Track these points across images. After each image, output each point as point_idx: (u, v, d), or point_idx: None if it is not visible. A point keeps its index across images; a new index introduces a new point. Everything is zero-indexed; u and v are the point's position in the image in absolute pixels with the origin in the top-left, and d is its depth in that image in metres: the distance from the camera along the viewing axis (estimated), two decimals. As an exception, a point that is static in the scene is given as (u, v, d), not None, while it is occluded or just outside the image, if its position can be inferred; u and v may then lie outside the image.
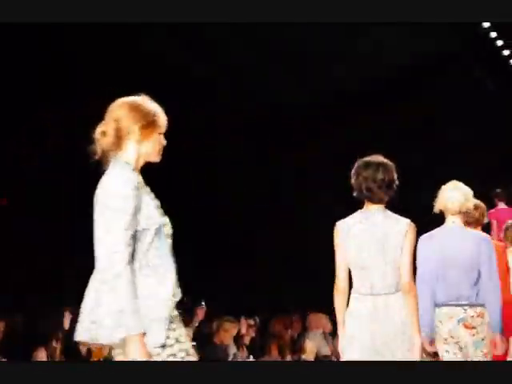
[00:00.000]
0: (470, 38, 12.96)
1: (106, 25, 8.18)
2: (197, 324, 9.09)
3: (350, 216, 4.39)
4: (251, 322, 10.16)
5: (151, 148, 3.33)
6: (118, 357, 3.15)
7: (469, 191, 5.16)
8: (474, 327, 4.85)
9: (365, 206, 4.37)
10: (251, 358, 9.11)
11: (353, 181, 4.37)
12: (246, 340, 9.73)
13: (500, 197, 12.00)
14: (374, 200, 4.30)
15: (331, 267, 4.47)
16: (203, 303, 9.02)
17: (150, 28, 10.20)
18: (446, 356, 4.83)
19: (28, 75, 10.33)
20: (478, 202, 5.49)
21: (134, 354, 3.01)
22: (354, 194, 4.38)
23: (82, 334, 3.13)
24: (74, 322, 7.86)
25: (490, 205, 11.30)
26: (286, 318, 10.57)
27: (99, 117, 3.56)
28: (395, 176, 4.35)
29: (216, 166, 12.59)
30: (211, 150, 12.34)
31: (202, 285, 9.99)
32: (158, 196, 3.28)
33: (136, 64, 11.67)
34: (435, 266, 4.88)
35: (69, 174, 11.35)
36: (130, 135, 3.27)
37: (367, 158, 4.40)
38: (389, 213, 4.34)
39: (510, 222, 7.11)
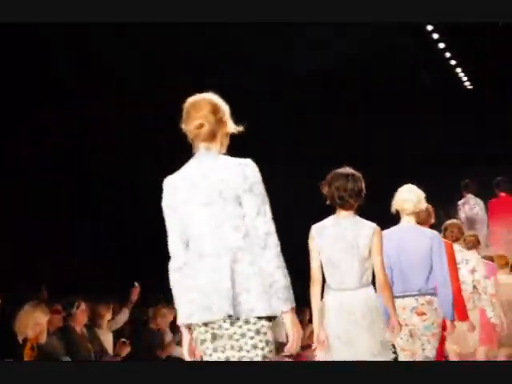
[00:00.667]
0: (407, 32, 12.81)
1: (106, 25, 8.20)
2: (132, 304, 9.09)
3: (325, 220, 5.00)
4: None
5: (227, 142, 3.66)
6: (268, 331, 3.42)
7: (421, 194, 5.80)
8: (424, 313, 5.49)
9: (337, 212, 4.98)
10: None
11: (326, 190, 4.95)
12: None
13: (469, 188, 12.23)
14: (346, 207, 4.92)
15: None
16: (136, 284, 9.09)
17: (150, 28, 10.20)
18: (399, 342, 5.42)
19: (28, 75, 10.30)
20: (427, 204, 6.04)
21: (295, 322, 3.42)
22: (328, 202, 4.96)
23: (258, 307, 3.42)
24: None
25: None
26: None
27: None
28: (363, 185, 4.95)
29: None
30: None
31: (145, 271, 9.91)
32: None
33: (135, 64, 11.64)
34: (391, 260, 5.41)
35: (69, 174, 11.43)
36: (223, 128, 3.60)
37: (339, 170, 4.99)
38: (358, 218, 4.96)
39: (448, 222, 7.84)
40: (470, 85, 15.62)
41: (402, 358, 5.51)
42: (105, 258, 10.86)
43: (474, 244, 8.02)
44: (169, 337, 9.11)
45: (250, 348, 3.41)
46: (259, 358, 3.39)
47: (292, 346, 3.42)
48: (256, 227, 3.45)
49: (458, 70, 15.05)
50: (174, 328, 9.24)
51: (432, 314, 5.53)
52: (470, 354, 7.17)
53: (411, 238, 5.62)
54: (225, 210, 3.47)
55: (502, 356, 7.94)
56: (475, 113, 15.10)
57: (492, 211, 12.07)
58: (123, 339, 8.43)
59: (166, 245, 3.68)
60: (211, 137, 3.57)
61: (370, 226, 4.91)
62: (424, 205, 5.85)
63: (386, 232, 5.29)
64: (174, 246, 3.60)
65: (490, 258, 8.80)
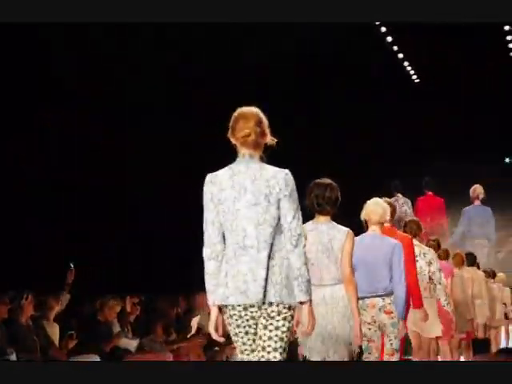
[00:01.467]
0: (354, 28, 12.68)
1: (105, 25, 8.21)
2: (68, 286, 9.02)
3: (305, 224, 5.26)
4: (136, 300, 10.00)
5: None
6: (288, 316, 4.09)
7: (387, 207, 6.67)
8: (391, 312, 6.27)
9: (316, 218, 5.63)
10: (136, 338, 9.10)
11: (307, 198, 5.56)
12: (131, 318, 9.61)
13: (397, 188, 12.68)
14: (323, 213, 5.57)
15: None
16: (72, 265, 9.11)
17: (149, 28, 10.23)
18: (367, 332, 6.20)
19: (28, 75, 10.31)
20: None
21: (310, 311, 4.15)
22: (309, 209, 5.56)
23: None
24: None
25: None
26: (171, 297, 10.46)
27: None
28: (339, 194, 5.60)
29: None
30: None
31: (90, 260, 9.96)
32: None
33: (136, 64, 11.66)
34: (358, 263, 5.99)
35: (69, 174, 11.38)
36: (264, 138, 4.21)
37: (318, 180, 5.65)
38: (334, 223, 5.61)
39: (408, 219, 8.96)
40: (417, 78, 15.91)
41: (367, 347, 6.28)
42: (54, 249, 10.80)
43: (435, 248, 9.02)
44: (116, 328, 9.04)
45: (272, 328, 4.06)
46: (278, 337, 4.06)
47: (308, 330, 4.19)
48: (291, 228, 4.11)
49: (406, 63, 15.28)
50: (123, 319, 9.26)
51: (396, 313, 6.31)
52: (427, 338, 8.15)
53: (376, 244, 6.34)
54: (268, 211, 4.11)
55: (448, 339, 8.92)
56: (423, 109, 15.53)
57: (418, 209, 12.70)
58: (70, 332, 8.41)
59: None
60: (255, 145, 4.19)
61: (343, 231, 5.56)
62: (388, 216, 6.74)
63: (356, 238, 5.86)
64: (212, 236, 4.17)
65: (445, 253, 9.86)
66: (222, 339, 4.26)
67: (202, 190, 4.19)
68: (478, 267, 11.41)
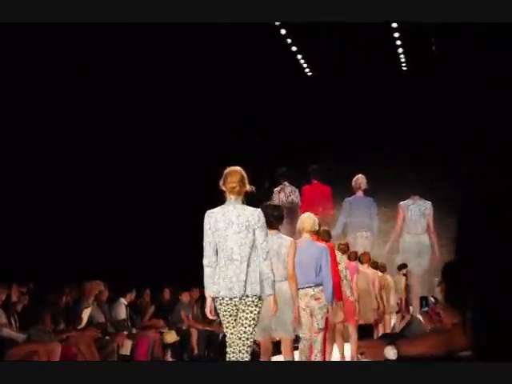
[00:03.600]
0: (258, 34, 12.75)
1: (106, 25, 8.12)
2: None
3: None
4: (23, 289, 9.75)
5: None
6: (259, 304, 6.29)
7: (316, 219, 8.39)
8: (319, 298, 8.07)
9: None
10: (23, 332, 8.89)
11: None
12: (18, 308, 9.27)
13: (284, 175, 12.60)
14: (272, 228, 7.21)
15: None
16: None
17: (149, 28, 10.14)
18: (302, 314, 7.78)
19: (28, 75, 10.46)
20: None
21: (275, 300, 6.44)
22: None
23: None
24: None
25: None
26: (60, 286, 10.12)
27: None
28: (284, 213, 7.58)
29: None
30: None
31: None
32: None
33: (135, 64, 11.86)
34: (296, 262, 7.49)
35: (69, 174, 11.62)
36: (244, 188, 6.37)
37: (267, 203, 7.70)
38: (281, 234, 7.50)
39: (322, 229, 9.66)
40: (312, 75, 15.67)
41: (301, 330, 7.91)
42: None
43: (345, 250, 10.52)
44: (1, 318, 8.79)
45: (248, 311, 6.21)
46: (251, 317, 6.23)
47: (272, 312, 6.43)
48: (262, 247, 6.34)
49: (305, 65, 15.05)
50: (8, 308, 8.98)
51: (323, 299, 8.07)
52: (335, 324, 9.90)
53: (307, 247, 8.11)
54: (247, 237, 6.31)
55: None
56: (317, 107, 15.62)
57: (304, 197, 12.42)
58: None
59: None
60: (239, 193, 6.37)
61: (288, 240, 7.44)
62: (317, 227, 8.43)
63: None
64: (209, 252, 6.36)
65: (355, 254, 11.39)
66: (214, 317, 6.49)
67: None
68: (377, 266, 12.37)
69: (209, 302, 6.36)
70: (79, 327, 9.63)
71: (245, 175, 6.34)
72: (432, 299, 7.63)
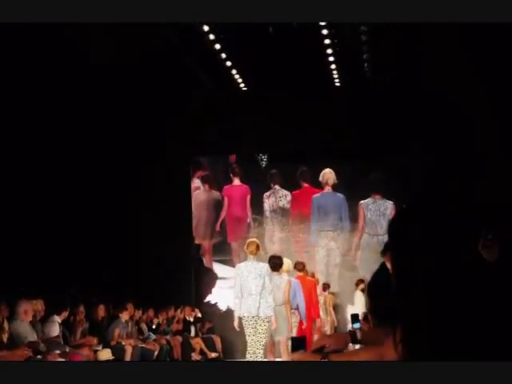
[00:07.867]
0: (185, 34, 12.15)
1: (105, 25, 8.31)
2: None
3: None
4: None
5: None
6: (270, 322, 9.78)
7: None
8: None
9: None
10: None
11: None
12: None
13: (274, 179, 12.51)
14: (275, 270, 10.09)
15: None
16: None
17: (149, 28, 10.17)
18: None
19: (28, 75, 10.44)
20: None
21: (276, 318, 9.87)
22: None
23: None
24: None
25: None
26: None
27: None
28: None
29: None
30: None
31: None
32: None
33: (135, 64, 11.78)
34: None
35: (68, 174, 11.68)
36: (259, 251, 9.83)
37: (272, 254, 10.58)
38: (281, 275, 10.32)
39: (295, 261, 11.58)
40: (245, 87, 14.30)
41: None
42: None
43: (301, 269, 11.37)
44: None
45: (262, 325, 9.59)
46: (263, 330, 9.60)
47: (273, 326, 9.74)
48: (268, 287, 9.63)
49: (234, 71, 13.83)
50: None
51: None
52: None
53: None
54: (260, 282, 9.60)
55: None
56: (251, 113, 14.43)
57: (294, 202, 12.22)
58: None
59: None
60: (255, 253, 9.66)
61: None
62: (292, 267, 10.96)
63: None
64: (237, 291, 9.70)
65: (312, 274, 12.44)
66: (238, 329, 9.83)
67: None
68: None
69: (237, 319, 9.78)
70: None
71: (259, 244, 9.90)
72: (362, 316, 7.53)
